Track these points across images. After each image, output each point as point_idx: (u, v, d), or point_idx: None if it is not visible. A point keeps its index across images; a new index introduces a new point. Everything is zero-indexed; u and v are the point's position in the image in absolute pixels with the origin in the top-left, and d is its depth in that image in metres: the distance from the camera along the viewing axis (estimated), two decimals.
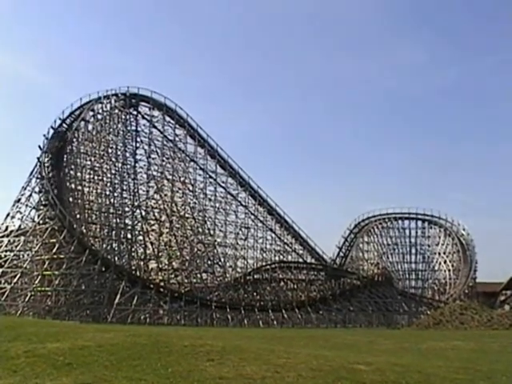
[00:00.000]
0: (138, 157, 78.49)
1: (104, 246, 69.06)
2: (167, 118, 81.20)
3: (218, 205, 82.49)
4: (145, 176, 78.59)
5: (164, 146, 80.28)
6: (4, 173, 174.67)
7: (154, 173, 78.98)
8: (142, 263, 74.65)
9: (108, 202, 72.68)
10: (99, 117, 75.53)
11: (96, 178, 71.69)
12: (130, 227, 74.89)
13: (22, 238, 64.73)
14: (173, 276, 75.18)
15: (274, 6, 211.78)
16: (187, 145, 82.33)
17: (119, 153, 76.62)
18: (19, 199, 67.83)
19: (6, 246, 66.24)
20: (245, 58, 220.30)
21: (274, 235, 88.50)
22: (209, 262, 79.32)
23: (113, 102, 77.57)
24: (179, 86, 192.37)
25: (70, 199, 67.27)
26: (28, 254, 64.23)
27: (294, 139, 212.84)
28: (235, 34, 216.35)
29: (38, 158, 66.32)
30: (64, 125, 71.88)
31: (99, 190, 71.90)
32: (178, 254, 76.64)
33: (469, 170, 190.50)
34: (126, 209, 75.28)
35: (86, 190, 70.57)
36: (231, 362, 13.32)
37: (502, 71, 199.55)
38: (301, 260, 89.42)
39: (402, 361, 16.56)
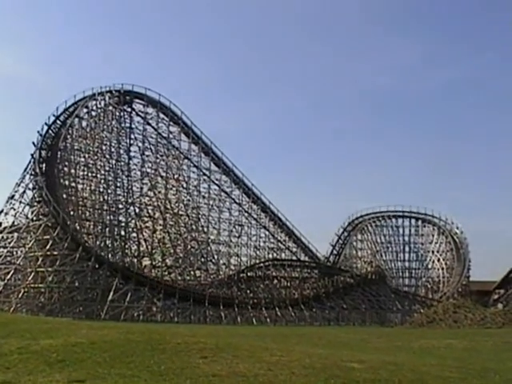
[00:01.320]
0: (131, 154, 78.63)
1: (98, 242, 69.01)
2: (161, 115, 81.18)
3: (211, 202, 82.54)
4: (139, 173, 78.62)
5: (158, 143, 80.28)
6: None
7: (148, 170, 79.02)
8: (135, 260, 74.62)
9: (102, 199, 72.68)
10: (93, 114, 75.47)
11: (90, 174, 71.69)
12: (123, 224, 74.93)
13: (16, 235, 64.78)
14: (166, 273, 75.23)
15: (269, 5, 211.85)
16: (181, 142, 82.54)
17: (113, 150, 76.60)
18: (13, 196, 67.85)
19: None
20: (240, 56, 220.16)
21: (267, 233, 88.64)
22: (202, 260, 79.44)
23: (107, 98, 77.50)
24: (174, 84, 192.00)
25: (64, 196, 67.21)
26: (21, 251, 64.19)
27: (289, 137, 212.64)
28: (231, 32, 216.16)
29: (32, 155, 66.28)
30: (58, 121, 71.77)
31: (93, 187, 71.89)
32: (172, 251, 76.73)
33: (463, 168, 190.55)
34: (120, 206, 75.30)
35: (79, 186, 70.59)
36: (224, 360, 13.32)
37: (501, 70, 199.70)
38: (294, 258, 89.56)
39: (394, 359, 16.61)
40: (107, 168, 74.58)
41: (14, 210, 67.30)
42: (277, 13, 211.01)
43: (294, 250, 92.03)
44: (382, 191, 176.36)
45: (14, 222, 66.69)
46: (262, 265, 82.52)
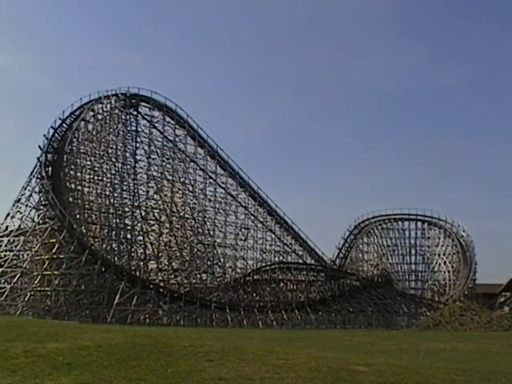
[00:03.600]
0: (137, 157, 78.52)
1: (104, 246, 69.05)
2: (167, 119, 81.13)
3: (217, 205, 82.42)
4: (145, 176, 78.55)
5: (164, 147, 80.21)
6: (4, 173, 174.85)
7: (154, 173, 78.94)
8: (141, 263, 74.62)
9: (108, 203, 72.68)
10: (99, 117, 75.51)
11: (96, 178, 71.69)
12: (129, 227, 74.87)
13: (22, 238, 64.84)
14: (172, 276, 75.18)
15: (274, 6, 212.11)
16: (187, 145, 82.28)
17: (119, 153, 76.58)
18: (19, 199, 67.99)
19: (5, 245, 66.41)
20: (245, 58, 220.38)
21: (273, 236, 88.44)
22: (208, 263, 79.30)
23: (113, 102, 77.53)
24: (180, 87, 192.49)
25: (70, 199, 67.22)
26: (28, 254, 64.30)
27: (294, 139, 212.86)
28: (235, 34, 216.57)
29: (38, 158, 66.40)
30: (64, 125, 71.89)
31: (99, 190, 71.92)
32: (178, 254, 76.59)
33: (469, 170, 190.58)
34: (126, 209, 75.26)
35: (85, 190, 70.56)
36: (230, 363, 13.34)
37: (503, 71, 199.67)
38: (300, 261, 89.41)
39: (401, 362, 16.59)
40: (113, 171, 74.57)
41: (21, 213, 67.46)
42: (280, 14, 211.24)
43: (301, 253, 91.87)
44: (388, 194, 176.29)
45: (20, 226, 66.79)
46: (268, 268, 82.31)
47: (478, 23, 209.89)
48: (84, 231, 66.01)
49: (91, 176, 71.46)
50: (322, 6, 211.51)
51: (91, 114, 74.05)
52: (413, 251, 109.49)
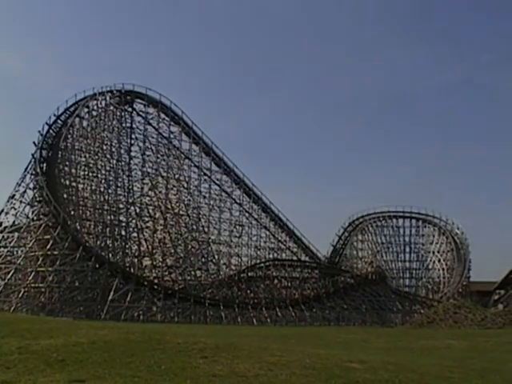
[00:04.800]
0: (132, 154, 78.37)
1: (98, 242, 68.93)
2: (162, 115, 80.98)
3: (212, 202, 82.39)
4: (139, 173, 78.45)
5: (159, 143, 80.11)
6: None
7: (149, 170, 78.90)
8: (135, 260, 74.54)
9: (102, 199, 72.53)
10: (94, 113, 75.29)
11: (90, 174, 71.57)
12: (124, 224, 74.76)
13: (16, 234, 64.69)
14: (167, 273, 75.16)
15: (274, 5, 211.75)
16: (182, 142, 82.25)
17: (114, 149, 76.40)
18: (13, 195, 67.73)
19: None
20: (244, 57, 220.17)
21: (268, 233, 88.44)
22: (203, 260, 79.33)
23: (108, 98, 77.36)
24: (177, 83, 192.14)
25: (65, 196, 67.12)
26: (22, 250, 64.09)
27: (291, 137, 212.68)
28: (234, 34, 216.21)
29: (33, 155, 66.22)
30: (59, 121, 71.69)
31: (93, 187, 71.77)
32: (172, 251, 76.59)
33: (463, 168, 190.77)
34: (121, 206, 75.14)
35: (80, 186, 70.42)
36: (224, 360, 13.34)
37: (501, 70, 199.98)
38: (295, 258, 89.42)
39: (395, 359, 16.61)
40: (108, 168, 74.43)
41: (15, 209, 67.25)
42: (280, 13, 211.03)
43: (295, 250, 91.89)
44: (382, 191, 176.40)
45: (14, 222, 66.59)
46: (262, 265, 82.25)
47: (474, 24, 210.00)
48: (78, 228, 65.94)
49: (86, 172, 71.35)
50: (321, 4, 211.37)
51: (86, 110, 73.89)
52: (407, 249, 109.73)
